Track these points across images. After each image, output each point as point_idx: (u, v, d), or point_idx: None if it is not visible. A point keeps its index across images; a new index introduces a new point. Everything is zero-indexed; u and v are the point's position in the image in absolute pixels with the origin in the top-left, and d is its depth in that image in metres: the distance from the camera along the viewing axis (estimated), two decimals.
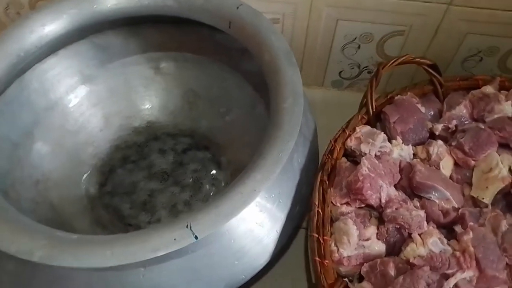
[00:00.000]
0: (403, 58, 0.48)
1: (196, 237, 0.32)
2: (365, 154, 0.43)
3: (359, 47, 0.60)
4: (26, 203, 0.48)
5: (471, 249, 0.35)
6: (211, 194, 0.55)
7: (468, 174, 0.43)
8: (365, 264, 0.38)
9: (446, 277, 0.35)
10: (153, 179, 0.56)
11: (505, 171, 0.40)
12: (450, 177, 0.43)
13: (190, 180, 0.56)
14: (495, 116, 0.46)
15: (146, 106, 0.61)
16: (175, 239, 0.32)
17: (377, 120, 0.48)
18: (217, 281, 0.38)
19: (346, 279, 0.38)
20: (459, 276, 0.34)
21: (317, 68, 0.64)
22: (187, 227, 0.33)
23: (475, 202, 0.42)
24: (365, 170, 0.40)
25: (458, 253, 0.35)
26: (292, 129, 0.39)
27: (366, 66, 0.63)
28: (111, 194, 0.55)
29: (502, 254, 0.36)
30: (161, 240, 0.32)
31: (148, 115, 0.61)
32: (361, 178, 0.40)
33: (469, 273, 0.34)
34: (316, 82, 0.67)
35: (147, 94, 0.61)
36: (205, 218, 0.33)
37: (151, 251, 0.32)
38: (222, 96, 0.59)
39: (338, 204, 0.41)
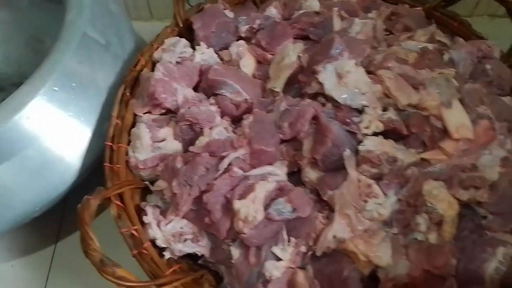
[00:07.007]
0: None
1: None
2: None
3: None
4: None
5: (247, 130, 0.36)
6: None
7: (268, 70, 0.44)
8: (160, 164, 0.39)
9: (223, 159, 0.36)
10: None
11: (293, 57, 0.41)
12: (253, 75, 0.44)
13: None
14: (302, 11, 0.46)
15: None
16: None
17: (192, 32, 0.48)
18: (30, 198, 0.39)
19: (147, 183, 0.39)
20: (232, 156, 0.35)
21: None
22: None
23: (274, 94, 0.42)
24: (159, 75, 0.40)
25: (232, 136, 0.36)
26: (70, 39, 0.39)
27: None
28: None
29: (276, 131, 0.37)
30: None
31: None
32: (153, 82, 0.40)
33: (241, 152, 0.35)
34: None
35: None
36: None
37: None
38: None
39: (141, 114, 0.41)
